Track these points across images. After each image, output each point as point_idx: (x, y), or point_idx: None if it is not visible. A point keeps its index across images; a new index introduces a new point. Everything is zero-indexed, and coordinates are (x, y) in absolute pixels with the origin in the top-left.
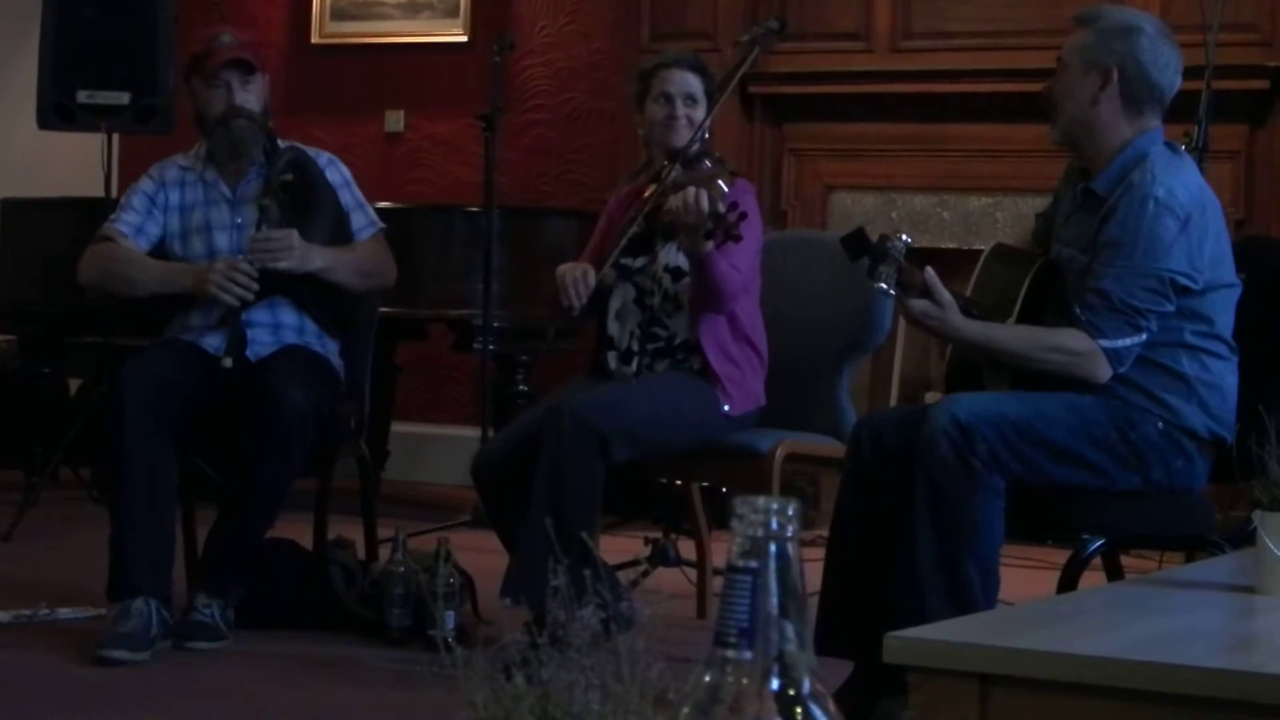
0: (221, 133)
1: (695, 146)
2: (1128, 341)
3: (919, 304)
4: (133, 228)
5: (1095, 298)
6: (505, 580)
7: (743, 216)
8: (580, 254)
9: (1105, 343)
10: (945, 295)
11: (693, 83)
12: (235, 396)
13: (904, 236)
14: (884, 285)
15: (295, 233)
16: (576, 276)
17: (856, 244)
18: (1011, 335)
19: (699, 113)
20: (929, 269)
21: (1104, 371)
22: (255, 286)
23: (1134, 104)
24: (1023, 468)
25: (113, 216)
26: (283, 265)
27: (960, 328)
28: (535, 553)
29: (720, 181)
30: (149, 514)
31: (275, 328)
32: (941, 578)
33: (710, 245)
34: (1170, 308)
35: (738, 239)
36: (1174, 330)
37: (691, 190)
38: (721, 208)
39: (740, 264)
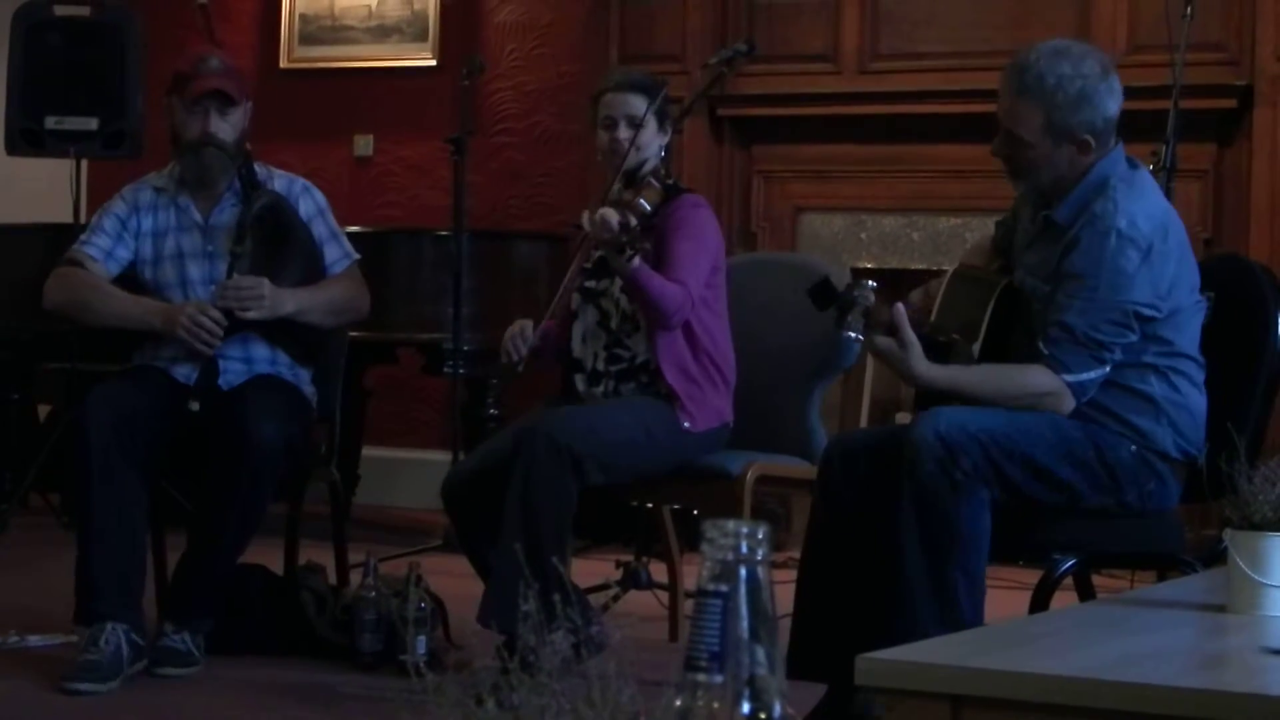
0: (192, 159)
1: (647, 165)
2: (1091, 375)
3: (883, 341)
4: (102, 252)
5: (1059, 331)
6: (482, 605)
7: (647, 231)
8: (551, 276)
9: (1069, 377)
10: (910, 336)
11: (635, 104)
12: (206, 425)
13: (870, 282)
14: (852, 334)
15: (266, 281)
16: (514, 332)
17: (823, 294)
18: (975, 381)
19: (644, 134)
20: (898, 306)
21: (1069, 405)
22: (222, 334)
23: (1104, 145)
24: (1000, 484)
25: (82, 238)
26: (252, 315)
27: (924, 373)
28: (508, 577)
29: (641, 197)
30: (116, 540)
31: (247, 360)
32: (929, 589)
33: (626, 260)
34: (1134, 338)
35: (642, 251)
36: (1136, 350)
37: (600, 210)
38: (634, 222)
39: (686, 279)
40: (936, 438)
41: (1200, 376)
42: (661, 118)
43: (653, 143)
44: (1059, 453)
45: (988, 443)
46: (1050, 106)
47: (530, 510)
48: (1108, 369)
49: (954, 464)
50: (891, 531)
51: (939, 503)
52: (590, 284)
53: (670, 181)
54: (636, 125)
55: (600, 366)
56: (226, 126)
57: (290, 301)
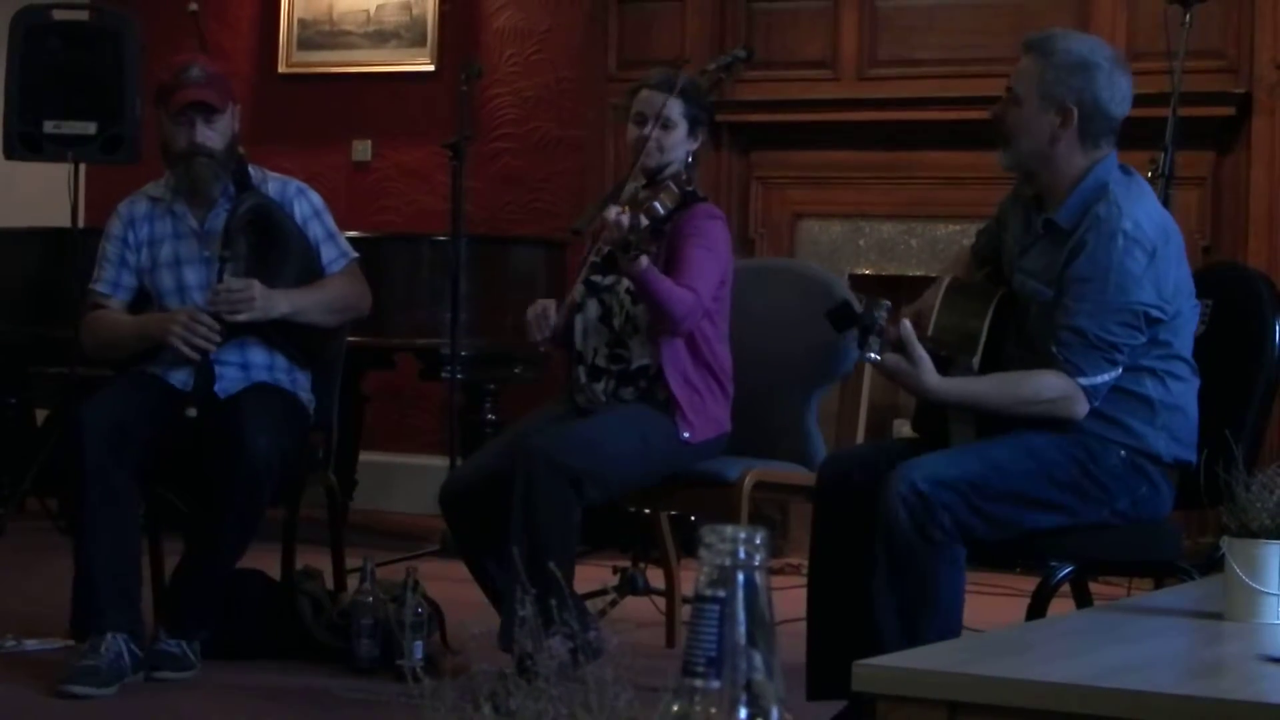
0: (181, 170)
1: (670, 169)
2: (1105, 377)
3: (892, 358)
4: (111, 284)
5: (1071, 335)
6: (502, 632)
7: (656, 235)
8: (549, 281)
9: (1084, 380)
10: (919, 351)
11: (670, 105)
12: (202, 433)
13: (885, 302)
14: (874, 354)
15: (256, 283)
16: (537, 312)
17: (843, 317)
18: (987, 390)
19: (673, 136)
20: (905, 323)
21: (1083, 409)
22: (217, 339)
23: (1091, 138)
24: (989, 526)
25: (94, 275)
26: (243, 317)
27: (936, 387)
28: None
29: (657, 200)
30: (114, 551)
31: (244, 366)
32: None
33: (634, 261)
34: (1143, 339)
35: (647, 253)
36: (1137, 354)
37: (613, 209)
38: (644, 222)
39: (697, 285)
40: (914, 493)
41: (1194, 379)
42: (694, 124)
43: (679, 146)
44: (1039, 478)
45: (967, 490)
46: (1048, 64)
47: (534, 531)
48: (1119, 370)
49: (931, 520)
50: (866, 591)
51: (914, 563)
52: (597, 278)
53: (690, 189)
54: (666, 126)
55: (601, 363)
56: (213, 134)
57: (284, 302)
